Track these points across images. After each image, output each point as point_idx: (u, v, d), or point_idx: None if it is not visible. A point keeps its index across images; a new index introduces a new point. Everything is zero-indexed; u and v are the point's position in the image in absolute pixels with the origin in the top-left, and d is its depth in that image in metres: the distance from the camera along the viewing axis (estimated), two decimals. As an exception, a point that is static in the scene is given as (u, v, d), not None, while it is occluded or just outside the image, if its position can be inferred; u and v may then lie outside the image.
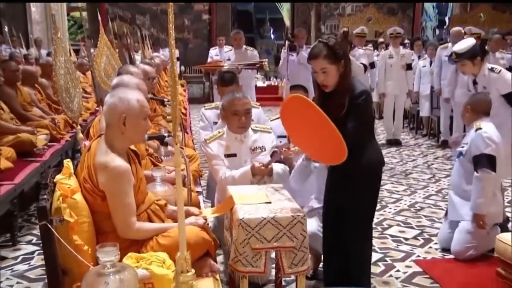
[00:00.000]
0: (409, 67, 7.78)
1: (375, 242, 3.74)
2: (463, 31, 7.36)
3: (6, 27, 10.84)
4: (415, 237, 4.13)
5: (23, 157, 4.55)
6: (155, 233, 2.30)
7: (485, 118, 3.75)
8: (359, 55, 6.43)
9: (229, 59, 7.29)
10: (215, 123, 4.00)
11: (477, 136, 3.64)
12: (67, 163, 2.30)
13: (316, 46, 2.70)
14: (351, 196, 2.77)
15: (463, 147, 3.77)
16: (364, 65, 6.45)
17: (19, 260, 3.70)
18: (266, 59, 6.97)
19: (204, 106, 4.31)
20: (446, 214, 3.97)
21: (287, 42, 6.66)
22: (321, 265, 3.24)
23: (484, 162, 3.57)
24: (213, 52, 8.60)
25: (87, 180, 2.23)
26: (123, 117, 2.26)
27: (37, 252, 3.75)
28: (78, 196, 2.17)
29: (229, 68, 6.76)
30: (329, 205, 2.92)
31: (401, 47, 7.93)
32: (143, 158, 3.24)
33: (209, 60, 8.21)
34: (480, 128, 3.65)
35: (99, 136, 2.39)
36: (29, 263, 3.64)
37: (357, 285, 2.84)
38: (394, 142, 7.95)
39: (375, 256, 3.57)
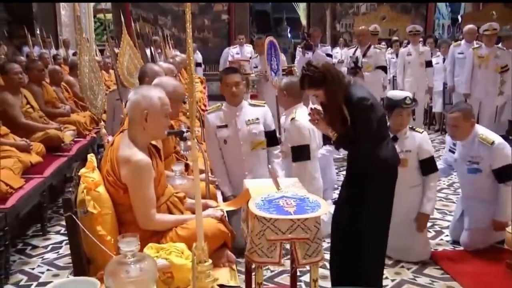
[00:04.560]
0: (428, 64, 7.69)
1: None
2: (476, 28, 7.29)
3: (38, 29, 11.06)
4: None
5: (52, 152, 4.70)
6: (174, 224, 2.36)
7: (475, 123, 3.67)
8: (377, 57, 6.20)
9: (256, 67, 7.01)
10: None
11: (496, 150, 3.54)
12: (91, 157, 2.38)
13: (300, 79, 2.81)
14: (364, 194, 2.77)
15: (478, 163, 3.61)
16: (383, 67, 6.30)
17: (49, 249, 3.87)
18: (295, 64, 6.80)
19: (207, 110, 3.84)
20: (461, 215, 3.88)
21: (303, 42, 6.66)
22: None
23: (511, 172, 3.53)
24: (234, 51, 8.66)
25: (110, 173, 2.30)
26: (145, 114, 2.33)
27: (65, 242, 3.87)
28: (101, 189, 2.25)
29: (257, 76, 6.64)
30: (343, 201, 2.93)
31: (420, 44, 7.82)
32: (169, 155, 3.31)
33: (230, 58, 8.25)
34: (494, 142, 3.56)
35: (122, 132, 2.45)
36: (58, 252, 3.80)
37: (367, 283, 2.83)
38: None
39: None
